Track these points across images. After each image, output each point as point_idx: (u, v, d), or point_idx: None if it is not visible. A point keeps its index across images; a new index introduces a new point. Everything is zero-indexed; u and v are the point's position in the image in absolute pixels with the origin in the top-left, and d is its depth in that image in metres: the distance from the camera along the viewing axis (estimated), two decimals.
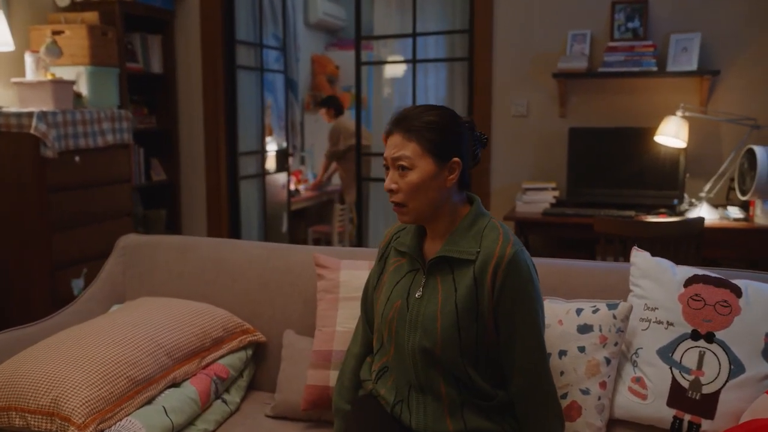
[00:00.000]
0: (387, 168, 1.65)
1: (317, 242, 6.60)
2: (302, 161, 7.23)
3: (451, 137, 1.61)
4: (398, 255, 1.75)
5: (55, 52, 3.69)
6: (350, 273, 2.11)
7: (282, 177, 5.60)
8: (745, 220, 3.52)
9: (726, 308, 1.73)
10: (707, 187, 3.70)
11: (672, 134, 3.59)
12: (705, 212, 3.57)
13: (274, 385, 2.21)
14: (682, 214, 3.64)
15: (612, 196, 3.81)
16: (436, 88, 4.72)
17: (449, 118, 1.63)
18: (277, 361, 2.22)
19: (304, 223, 6.70)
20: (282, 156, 5.65)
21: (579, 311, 1.81)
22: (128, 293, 2.44)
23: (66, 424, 1.67)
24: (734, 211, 3.58)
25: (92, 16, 4.04)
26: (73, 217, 3.74)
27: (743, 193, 3.51)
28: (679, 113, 3.63)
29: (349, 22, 8.18)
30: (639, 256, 1.91)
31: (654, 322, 1.80)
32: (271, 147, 5.61)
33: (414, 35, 4.50)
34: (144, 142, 4.62)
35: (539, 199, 3.88)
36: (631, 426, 1.78)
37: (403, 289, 1.68)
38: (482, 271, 1.57)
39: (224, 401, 2.09)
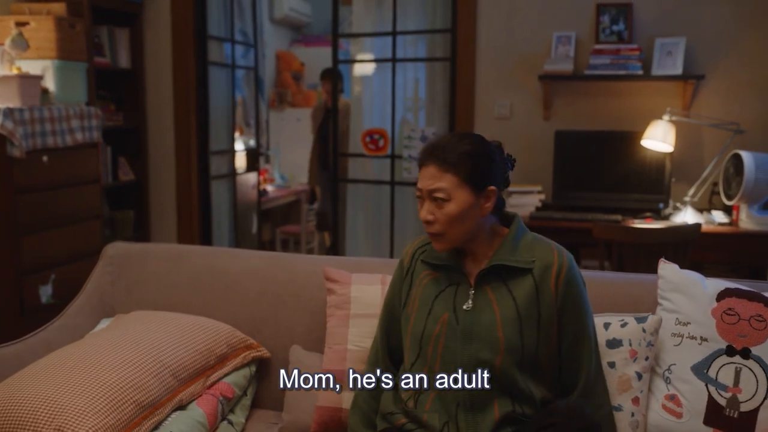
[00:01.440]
0: (420, 198, 1.63)
1: (285, 243, 6.46)
2: (267, 160, 7.06)
3: (485, 166, 1.62)
4: (430, 269, 1.71)
5: (22, 45, 3.48)
6: (361, 288, 2.01)
7: (252, 177, 5.44)
8: (729, 224, 3.54)
9: (761, 323, 1.70)
10: (691, 191, 3.71)
11: (659, 138, 3.58)
12: (690, 216, 3.58)
13: (279, 403, 2.09)
14: (667, 218, 3.64)
15: (598, 199, 3.79)
16: (414, 88, 4.64)
17: (482, 146, 1.64)
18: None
19: (271, 223, 6.54)
20: (251, 155, 5.49)
21: (607, 325, 1.76)
22: (117, 306, 2.29)
23: None
24: (718, 216, 3.60)
25: (59, 8, 3.82)
26: (41, 220, 3.53)
27: (729, 198, 3.52)
28: (665, 117, 3.63)
29: (314, 18, 8.04)
30: (667, 269, 1.86)
31: (687, 337, 1.75)
32: (239, 146, 5.44)
33: (394, 34, 4.41)
34: (111, 141, 4.42)
35: (525, 203, 3.84)
36: None
37: (446, 303, 1.65)
38: (543, 277, 1.59)
39: (230, 422, 1.97)
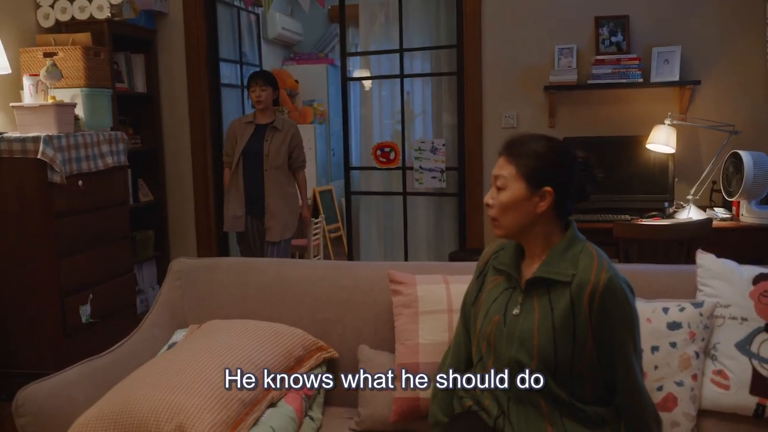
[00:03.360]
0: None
1: (292, 257, 6.60)
2: None
3: (549, 167, 1.69)
4: (496, 273, 1.84)
5: (56, 74, 3.62)
6: (427, 288, 2.19)
7: None
8: (731, 219, 3.78)
9: None
10: (693, 190, 3.95)
11: (662, 141, 3.82)
12: (693, 213, 3.82)
13: (348, 399, 2.26)
14: (672, 216, 3.87)
15: (605, 201, 4.01)
16: (420, 102, 4.83)
17: (553, 149, 1.71)
18: None
19: None
20: None
21: (666, 310, 1.95)
22: (189, 318, 2.44)
23: None
24: (720, 212, 3.84)
25: (84, 37, 3.96)
26: (77, 242, 3.67)
27: (729, 195, 3.77)
28: (667, 122, 3.87)
29: (305, 36, 8.23)
30: (705, 259, 2.07)
31: (728, 318, 1.96)
32: None
33: (401, 51, 4.61)
34: (130, 163, 4.54)
35: None
36: (716, 415, 1.94)
37: (500, 306, 1.77)
38: (579, 294, 1.64)
39: (311, 418, 2.13)
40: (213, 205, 4.80)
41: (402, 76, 4.65)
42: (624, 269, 2.21)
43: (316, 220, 6.44)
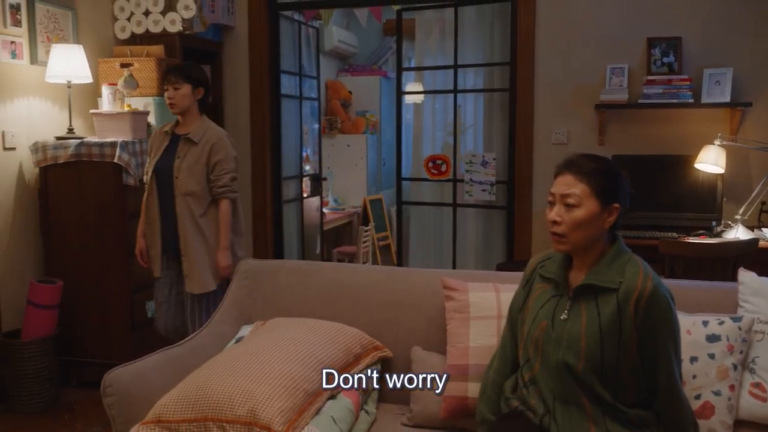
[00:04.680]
0: (551, 203, 1.86)
1: (341, 262, 6.80)
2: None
3: (615, 185, 1.82)
4: (543, 281, 1.96)
5: (132, 84, 3.88)
6: (478, 294, 2.33)
7: (315, 200, 5.80)
8: None
9: None
10: (741, 210, 4.00)
11: (712, 161, 3.89)
12: (741, 233, 3.87)
13: (400, 396, 2.41)
14: (719, 235, 3.93)
15: (653, 218, 4.09)
16: (473, 116, 4.97)
17: (614, 168, 1.85)
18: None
19: (327, 243, 6.89)
20: (315, 180, 5.86)
21: (705, 323, 2.06)
22: (254, 315, 2.62)
23: None
24: None
25: (157, 49, 4.22)
26: None
27: None
28: (717, 142, 3.94)
29: (359, 49, 8.46)
30: (747, 276, 2.17)
31: None
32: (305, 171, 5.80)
33: (455, 67, 4.76)
34: None
35: None
36: (753, 425, 2.03)
37: (548, 312, 1.89)
38: (625, 300, 1.74)
39: (367, 412, 2.29)
40: (270, 211, 5.01)
41: (455, 91, 4.80)
42: (667, 283, 2.32)
43: (366, 228, 6.63)
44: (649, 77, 4.16)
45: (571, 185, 1.81)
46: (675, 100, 4.08)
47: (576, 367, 1.78)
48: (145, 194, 3.38)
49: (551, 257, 1.98)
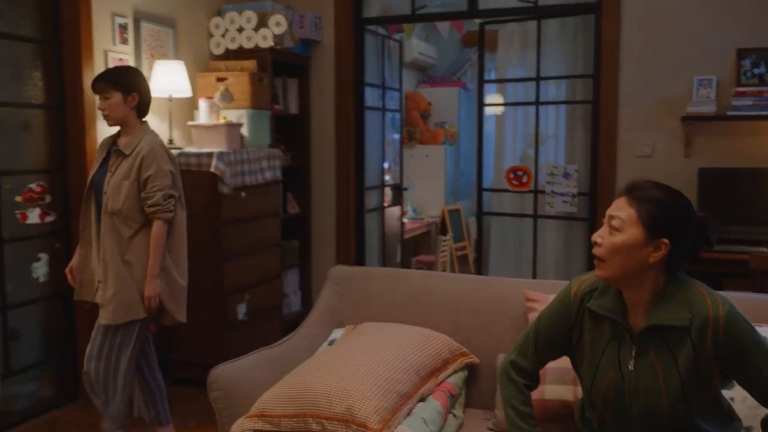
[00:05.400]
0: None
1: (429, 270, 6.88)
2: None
3: (670, 218, 1.65)
4: (596, 319, 1.79)
5: (228, 98, 4.08)
6: None
7: (396, 210, 5.92)
8: None
9: None
10: None
11: None
12: None
13: (485, 402, 2.48)
14: None
15: (744, 232, 4.01)
16: (555, 128, 4.99)
17: (675, 201, 1.68)
18: (489, 382, 2.49)
19: (405, 252, 7.00)
20: (395, 190, 5.98)
21: None
22: (345, 319, 2.74)
23: (363, 429, 1.96)
24: None
25: (251, 64, 4.42)
26: (238, 247, 4.10)
27: None
28: None
29: (438, 60, 8.56)
30: None
31: None
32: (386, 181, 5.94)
33: (537, 79, 4.80)
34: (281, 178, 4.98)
35: None
36: None
37: (611, 359, 1.73)
38: (700, 337, 1.62)
39: (454, 416, 2.37)
40: (353, 220, 5.15)
41: (537, 103, 4.83)
42: (756, 299, 2.32)
43: (444, 238, 6.70)
44: (739, 89, 4.10)
45: (620, 208, 1.68)
46: (766, 112, 4.00)
47: (660, 416, 1.68)
48: (81, 212, 3.05)
49: (599, 289, 1.81)
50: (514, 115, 5.19)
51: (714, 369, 1.65)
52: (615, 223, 1.66)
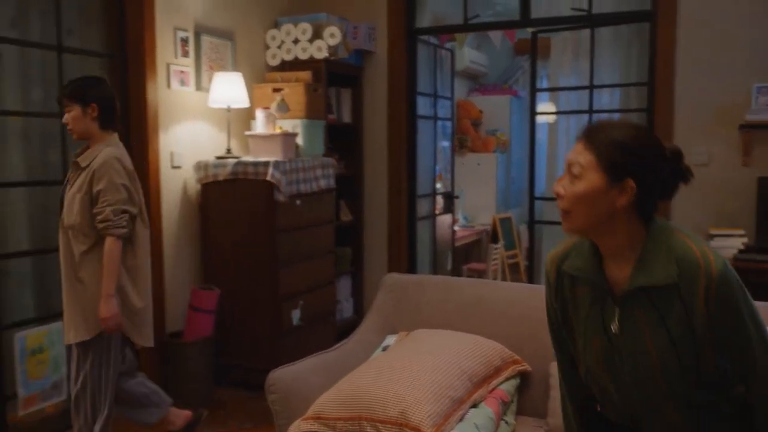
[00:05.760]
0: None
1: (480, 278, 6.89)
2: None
3: (633, 159, 1.51)
4: (575, 283, 1.66)
5: (284, 108, 4.19)
6: None
7: (447, 218, 5.95)
8: None
9: None
10: None
11: None
12: None
13: (537, 410, 2.50)
14: None
15: None
16: None
17: (639, 140, 1.54)
18: (541, 389, 2.51)
19: (457, 260, 7.01)
20: (447, 198, 6.01)
21: None
22: (398, 326, 2.79)
23: None
24: None
25: (305, 75, 4.53)
26: (292, 254, 4.19)
27: None
28: None
29: (490, 69, 8.57)
30: None
31: None
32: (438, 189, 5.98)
33: (591, 87, 4.78)
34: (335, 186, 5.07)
35: (727, 245, 4.03)
36: None
37: (595, 324, 1.62)
38: (692, 296, 1.49)
39: (506, 422, 2.39)
40: (405, 228, 5.20)
41: (591, 111, 4.81)
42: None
43: (496, 246, 6.70)
44: None
45: (578, 153, 1.55)
46: None
47: (654, 382, 1.56)
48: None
49: (571, 249, 1.67)
50: (567, 124, 5.18)
51: (710, 338, 1.51)
52: (575, 170, 1.54)
